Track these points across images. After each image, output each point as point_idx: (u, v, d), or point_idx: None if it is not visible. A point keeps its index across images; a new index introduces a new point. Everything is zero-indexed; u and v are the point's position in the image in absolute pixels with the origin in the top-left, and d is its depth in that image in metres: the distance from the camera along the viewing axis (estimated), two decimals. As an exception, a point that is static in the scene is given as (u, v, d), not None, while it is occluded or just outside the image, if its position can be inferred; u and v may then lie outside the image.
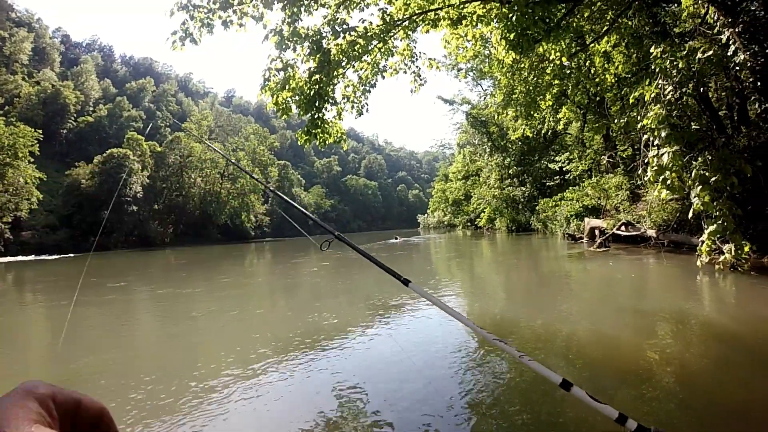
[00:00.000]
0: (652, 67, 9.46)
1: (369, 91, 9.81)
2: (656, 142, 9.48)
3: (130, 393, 4.69)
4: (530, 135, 20.52)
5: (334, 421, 3.70)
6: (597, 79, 13.20)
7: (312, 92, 8.94)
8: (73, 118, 73.34)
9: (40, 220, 40.33)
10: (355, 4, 9.05)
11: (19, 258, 31.91)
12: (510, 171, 36.70)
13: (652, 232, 14.57)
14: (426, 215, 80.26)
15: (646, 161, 10.40)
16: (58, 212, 44.58)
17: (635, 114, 11.66)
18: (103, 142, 65.21)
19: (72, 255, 35.70)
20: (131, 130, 65.50)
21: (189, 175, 64.46)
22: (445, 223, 65.05)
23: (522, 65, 12.72)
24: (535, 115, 15.22)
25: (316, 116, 9.25)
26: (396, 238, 43.82)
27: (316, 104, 9.07)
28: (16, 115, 51.51)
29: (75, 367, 6.03)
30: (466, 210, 52.57)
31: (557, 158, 28.32)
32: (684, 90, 9.02)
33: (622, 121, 14.24)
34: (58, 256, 34.15)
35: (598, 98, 18.19)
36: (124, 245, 46.87)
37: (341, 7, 8.96)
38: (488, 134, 37.97)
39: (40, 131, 34.89)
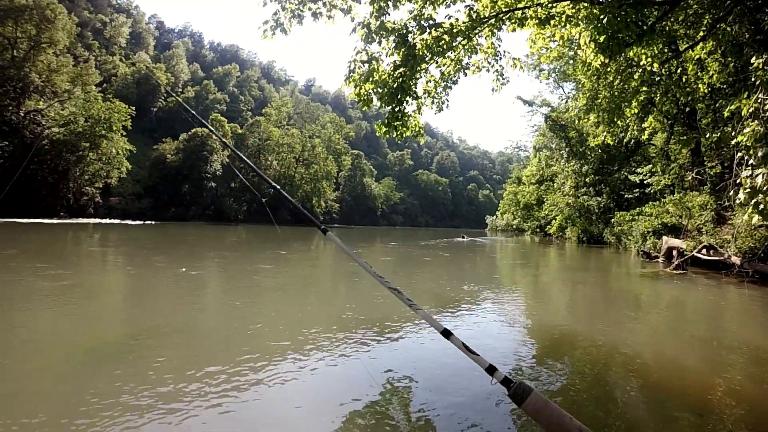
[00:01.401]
0: (752, 79, 8.85)
1: (450, 88, 9.78)
2: (751, 161, 8.85)
3: (192, 352, 5.18)
4: (611, 143, 19.63)
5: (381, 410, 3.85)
6: (688, 89, 12.45)
7: (395, 85, 9.04)
8: (163, 98, 78.36)
9: (127, 188, 43.47)
10: (441, 0, 9.11)
11: (106, 221, 34.43)
12: (586, 179, 35.29)
13: (736, 259, 13.55)
14: (495, 217, 78.87)
15: (737, 181, 9.75)
16: (143, 182, 47.98)
17: (729, 129, 10.94)
18: (189, 121, 68.80)
19: (153, 222, 38.26)
20: (215, 111, 69.19)
21: (266, 158, 67.01)
22: (514, 226, 63.71)
23: (608, 69, 12.23)
24: (619, 122, 14.52)
25: (396, 109, 9.33)
26: (463, 237, 43.43)
27: (398, 97, 9.16)
28: (113, 92, 55.33)
29: (144, 327, 6.56)
30: (536, 215, 51.21)
31: (638, 170, 26.86)
32: (787, 106, 8.39)
33: (714, 135, 13.37)
34: (141, 222, 36.71)
35: (688, 109, 17.13)
36: (201, 218, 49.70)
37: (427, 3, 9.04)
38: (567, 139, 36.66)
39: (134, 108, 37.54)
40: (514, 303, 9.95)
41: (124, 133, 36.73)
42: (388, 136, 9.76)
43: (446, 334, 2.05)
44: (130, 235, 26.38)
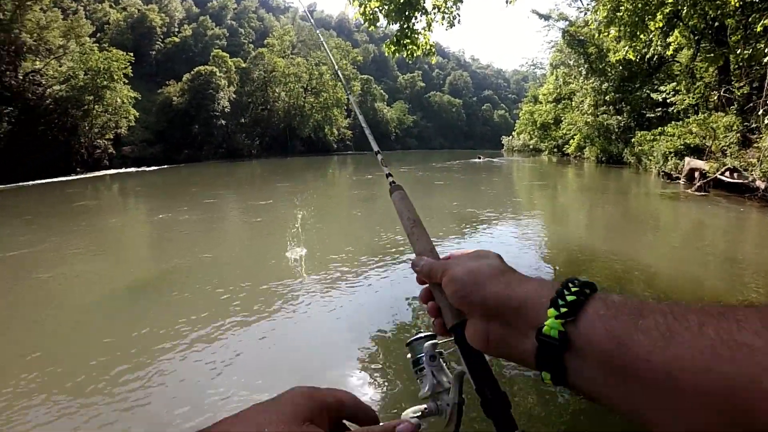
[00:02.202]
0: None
1: (461, 1, 9.30)
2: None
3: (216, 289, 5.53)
4: (633, 59, 18.46)
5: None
6: (718, 2, 11.43)
7: (402, 0, 8.63)
8: (160, 40, 75.69)
9: (137, 135, 43.13)
10: None
11: (122, 170, 34.72)
12: (606, 97, 33.83)
13: (761, 183, 13.05)
14: (511, 137, 77.46)
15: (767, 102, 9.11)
16: (153, 128, 47.53)
17: (762, 46, 10.09)
18: (190, 60, 66.98)
19: (167, 166, 38.67)
20: (216, 48, 66.89)
21: (273, 90, 65.55)
22: (531, 147, 62.64)
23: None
24: (641, 36, 13.59)
25: (405, 26, 9.00)
26: (479, 158, 42.94)
27: (406, 13, 8.80)
28: (108, 41, 53.45)
29: (168, 266, 7.08)
30: (554, 135, 50.07)
31: (661, 88, 25.47)
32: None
33: (744, 52, 12.42)
34: (156, 168, 37.08)
35: (716, 24, 15.83)
36: (213, 157, 49.60)
37: None
38: (585, 55, 34.74)
39: (131, 54, 36.45)
40: (533, 222, 9.98)
41: (126, 81, 35.92)
42: (397, 55, 9.48)
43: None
44: (146, 180, 26.77)
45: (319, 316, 4.78)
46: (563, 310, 0.41)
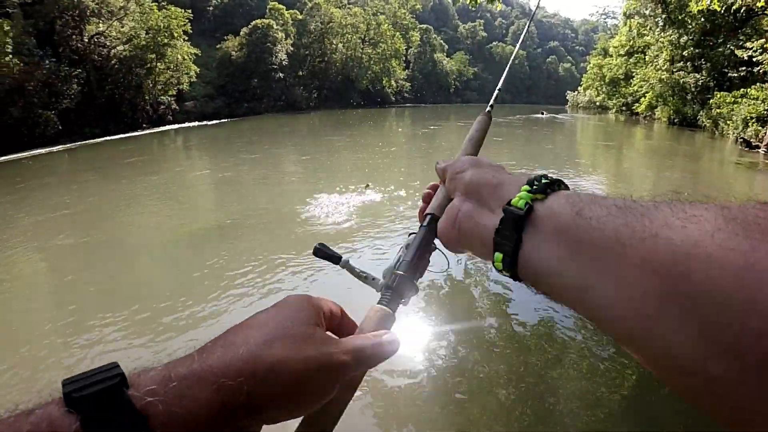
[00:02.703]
0: None
1: None
2: None
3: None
4: (718, 9, 16.81)
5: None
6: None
7: None
8: (215, -5, 76.14)
9: (199, 91, 43.99)
10: None
11: (186, 125, 35.80)
12: (684, 53, 31.36)
13: None
14: (576, 92, 73.63)
15: None
16: (213, 83, 48.35)
17: None
18: (247, 14, 66.91)
19: (227, 120, 39.64)
20: (272, 0, 66.59)
21: (330, 42, 65.03)
22: (597, 103, 59.42)
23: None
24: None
25: None
26: (542, 114, 41.50)
27: None
28: None
29: (228, 211, 8.45)
30: (623, 92, 47.31)
31: (747, 44, 23.16)
32: None
33: None
34: (217, 122, 38.20)
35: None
36: (273, 110, 50.42)
37: None
38: (664, 3, 32.17)
39: (189, 11, 36.87)
40: (594, 185, 9.66)
41: (186, 38, 36.62)
42: (460, 1, 9.45)
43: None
44: (208, 133, 28.00)
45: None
46: (535, 187, 0.43)
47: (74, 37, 28.79)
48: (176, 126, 34.54)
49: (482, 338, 4.21)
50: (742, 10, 22.33)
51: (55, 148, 21.34)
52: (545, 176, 0.45)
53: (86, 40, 29.58)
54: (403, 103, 74.34)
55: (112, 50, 31.21)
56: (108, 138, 25.73)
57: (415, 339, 4.11)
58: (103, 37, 30.72)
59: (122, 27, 31.63)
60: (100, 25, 30.31)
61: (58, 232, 7.62)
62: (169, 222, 8.19)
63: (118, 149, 20.82)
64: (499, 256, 0.44)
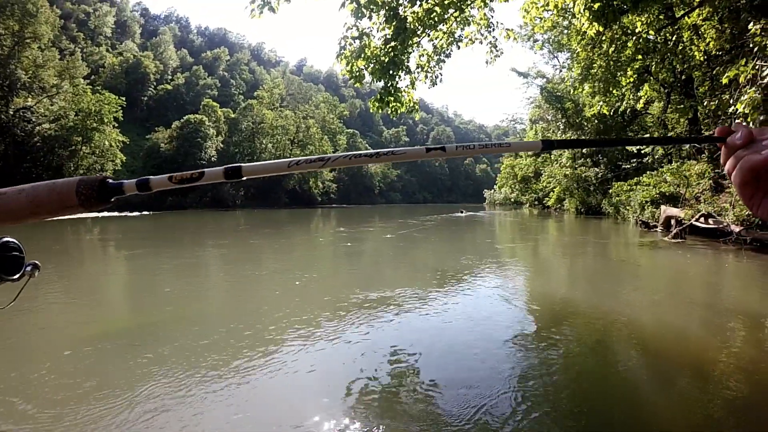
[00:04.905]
0: (750, 46, 8.69)
1: (443, 61, 9.61)
2: (748, 127, 8.72)
3: (200, 340, 5.19)
4: (607, 113, 19.40)
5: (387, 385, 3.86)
6: (685, 56, 12.25)
7: (387, 60, 8.88)
8: (153, 86, 77.74)
9: (122, 179, 43.10)
10: (431, -28, 8.87)
11: (104, 214, 34.32)
12: (583, 150, 35.10)
13: (735, 227, 13.53)
14: (492, 191, 78.79)
15: (734, 148, 9.62)
16: (139, 173, 47.57)
17: (727, 97, 10.78)
18: (181, 108, 68.40)
19: (150, 212, 38.30)
20: (207, 97, 68.52)
21: (260, 141, 66.58)
22: (512, 200, 63.65)
23: (603, 38, 12.01)
24: (614, 91, 14.31)
25: (389, 84, 9.20)
26: (461, 212, 43.51)
27: (390, 72, 9.01)
28: (102, 84, 54.30)
29: (155, 319, 6.67)
30: (534, 188, 51.00)
31: (636, 139, 26.62)
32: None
33: (711, 103, 13.16)
34: (139, 213, 36.63)
35: (684, 77, 16.88)
36: (198, 205, 49.68)
37: (418, -26, 8.80)
38: (563, 110, 36.28)
39: (123, 98, 37.07)
40: (515, 275, 10.01)
41: (116, 125, 36.15)
42: (381, 112, 9.64)
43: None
44: (129, 225, 26.49)
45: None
46: None
47: (-1, 108, 27.64)
48: (94, 214, 33.07)
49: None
50: (627, 112, 25.84)
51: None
52: None
53: (11, 113, 28.44)
54: (329, 204, 75.63)
55: (37, 127, 30.09)
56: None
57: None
58: (29, 113, 29.69)
59: (51, 105, 30.69)
60: (29, 99, 29.41)
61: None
62: (87, 319, 6.56)
63: (25, 236, 19.32)
64: None
